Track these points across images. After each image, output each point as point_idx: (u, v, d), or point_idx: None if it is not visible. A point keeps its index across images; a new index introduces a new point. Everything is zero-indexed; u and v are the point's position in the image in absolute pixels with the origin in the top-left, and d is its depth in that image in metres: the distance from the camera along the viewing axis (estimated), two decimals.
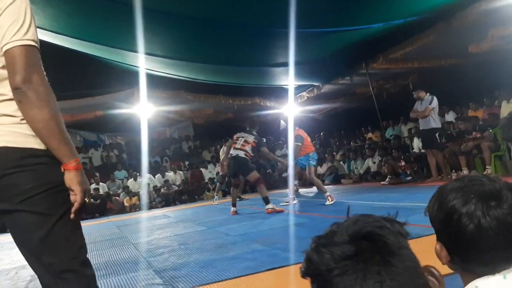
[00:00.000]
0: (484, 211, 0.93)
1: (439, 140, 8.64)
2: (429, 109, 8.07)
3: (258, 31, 6.66)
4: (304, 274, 0.71)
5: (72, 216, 1.45)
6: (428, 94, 8.27)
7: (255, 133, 7.52)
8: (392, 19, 6.95)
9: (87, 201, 1.47)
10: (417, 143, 10.16)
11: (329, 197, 7.31)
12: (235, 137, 7.54)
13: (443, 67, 10.16)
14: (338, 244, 0.68)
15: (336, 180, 11.97)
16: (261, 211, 7.61)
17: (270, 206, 7.23)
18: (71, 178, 1.42)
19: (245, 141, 7.39)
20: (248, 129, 7.61)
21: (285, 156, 10.69)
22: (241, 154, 7.33)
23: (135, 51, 7.13)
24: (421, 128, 8.58)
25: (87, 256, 1.54)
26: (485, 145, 7.78)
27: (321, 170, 12.32)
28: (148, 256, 4.80)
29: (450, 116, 10.54)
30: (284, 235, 4.92)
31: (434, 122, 8.25)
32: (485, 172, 7.59)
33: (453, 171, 8.62)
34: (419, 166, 9.56)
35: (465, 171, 8.30)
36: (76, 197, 1.43)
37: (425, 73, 10.79)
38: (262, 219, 6.64)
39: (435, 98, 8.18)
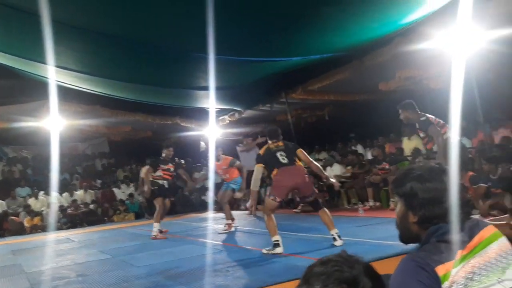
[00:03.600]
0: None
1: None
2: None
3: (179, 54, 6.56)
4: None
5: None
6: None
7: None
8: (310, 54, 7.21)
9: None
10: (329, 172, 10.52)
11: (228, 225, 7.45)
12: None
13: (356, 102, 10.74)
14: None
15: None
16: (175, 238, 7.38)
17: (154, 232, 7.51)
18: None
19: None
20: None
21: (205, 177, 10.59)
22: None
23: (45, 63, 6.66)
24: None
25: None
26: (391, 178, 8.25)
27: (239, 195, 12.29)
28: None
29: (359, 148, 11.16)
30: (190, 267, 4.76)
31: None
32: (390, 204, 8.05)
33: (360, 202, 9.07)
34: (331, 195, 9.90)
35: (371, 203, 8.76)
36: None
37: (340, 105, 11.33)
38: (172, 247, 6.41)
39: None
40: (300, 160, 5.20)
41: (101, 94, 9.90)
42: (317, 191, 9.50)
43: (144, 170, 8.20)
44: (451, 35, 5.93)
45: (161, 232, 8.17)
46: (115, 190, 14.18)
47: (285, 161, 5.06)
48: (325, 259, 1.09)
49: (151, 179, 7.81)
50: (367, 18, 5.77)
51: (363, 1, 5.21)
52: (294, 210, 9.50)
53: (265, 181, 10.58)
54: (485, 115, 7.32)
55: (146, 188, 7.78)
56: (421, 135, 5.75)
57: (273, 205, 5.09)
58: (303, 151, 5.25)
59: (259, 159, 5.21)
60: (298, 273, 4.10)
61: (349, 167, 10.18)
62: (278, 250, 4.91)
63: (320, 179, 8.40)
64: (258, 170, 5.15)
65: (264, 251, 5.00)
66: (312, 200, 5.24)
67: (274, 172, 5.10)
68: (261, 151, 5.30)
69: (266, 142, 5.50)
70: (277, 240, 4.95)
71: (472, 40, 6.05)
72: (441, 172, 1.44)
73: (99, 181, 14.97)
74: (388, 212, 7.73)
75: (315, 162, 5.46)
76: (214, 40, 5.21)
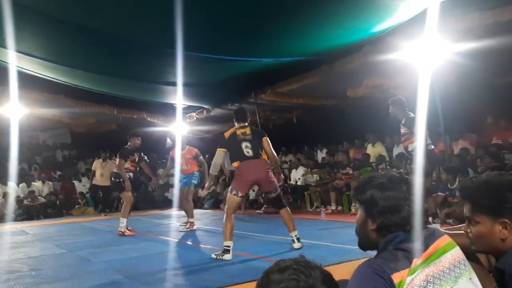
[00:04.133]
0: None
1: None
2: None
3: (147, 48, 6.42)
4: None
5: None
6: None
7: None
8: (281, 56, 7.23)
9: None
10: (294, 175, 10.62)
11: (189, 224, 7.35)
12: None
13: (324, 107, 10.86)
14: None
15: (215, 205, 11.94)
16: (135, 235, 7.24)
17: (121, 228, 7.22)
18: None
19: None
20: None
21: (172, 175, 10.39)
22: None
23: (5, 47, 6.38)
24: None
25: None
26: (354, 184, 8.38)
27: (202, 193, 12.18)
28: None
29: (323, 153, 11.32)
30: (149, 265, 4.67)
31: None
32: (352, 209, 8.18)
33: (323, 205, 9.20)
34: (294, 197, 9.98)
35: (333, 207, 8.90)
36: None
37: (308, 109, 11.43)
38: (131, 244, 6.28)
39: None
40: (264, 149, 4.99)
41: (65, 83, 9.58)
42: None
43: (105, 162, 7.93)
44: (418, 46, 6.09)
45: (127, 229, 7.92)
46: (76, 182, 13.77)
47: (249, 154, 4.85)
48: (282, 266, 1.09)
49: (116, 170, 7.42)
50: (338, 24, 5.84)
51: (335, 8, 5.27)
52: (257, 211, 9.49)
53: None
54: (446, 126, 7.55)
55: (126, 183, 7.18)
56: (403, 131, 5.89)
57: (236, 201, 4.93)
58: (268, 140, 5.02)
59: (222, 144, 4.98)
60: (256, 274, 4.07)
61: (314, 170, 10.31)
62: (227, 257, 4.66)
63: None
64: (220, 154, 4.95)
65: (213, 255, 4.76)
66: (274, 197, 5.07)
67: (236, 164, 4.92)
68: (226, 134, 5.02)
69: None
70: (229, 246, 4.70)
71: (438, 52, 6.25)
72: (401, 181, 1.46)
73: (58, 173, 14.51)
74: (349, 216, 7.85)
75: (275, 156, 5.15)
76: (183, 35, 5.13)
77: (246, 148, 4.88)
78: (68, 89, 10.33)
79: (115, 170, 7.45)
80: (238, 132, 4.99)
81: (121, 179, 7.27)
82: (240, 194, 4.91)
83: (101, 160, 11.80)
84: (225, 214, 4.89)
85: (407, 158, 6.37)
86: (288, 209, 5.13)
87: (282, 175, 5.48)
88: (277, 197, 5.09)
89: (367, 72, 7.95)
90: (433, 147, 6.38)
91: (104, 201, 12.34)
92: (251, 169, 4.87)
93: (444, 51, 6.29)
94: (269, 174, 4.97)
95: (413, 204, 1.41)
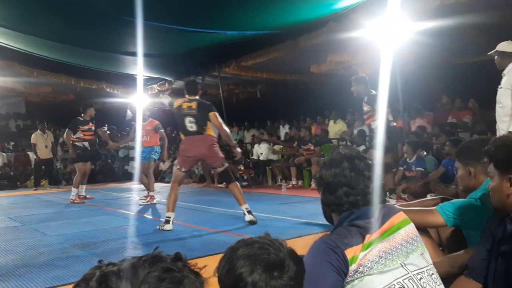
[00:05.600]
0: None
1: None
2: None
3: (106, 16, 6.15)
4: None
5: None
6: None
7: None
8: (244, 30, 7.13)
9: None
10: (257, 150, 10.65)
11: (150, 198, 7.32)
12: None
13: (287, 82, 10.87)
14: None
15: None
16: (92, 208, 7.10)
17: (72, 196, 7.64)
18: None
19: None
20: None
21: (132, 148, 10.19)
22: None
23: None
24: None
25: None
26: (315, 159, 8.52)
27: (164, 166, 12.07)
28: None
29: (285, 129, 11.40)
30: (107, 239, 4.60)
31: None
32: (312, 184, 8.32)
33: (284, 180, 9.32)
34: (256, 172, 10.04)
35: (294, 181, 9.04)
36: None
37: (272, 84, 11.41)
38: (89, 217, 6.16)
39: None
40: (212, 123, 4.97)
41: (19, 50, 9.09)
42: (242, 167, 9.71)
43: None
44: (380, 24, 6.15)
45: (85, 198, 8.02)
46: (30, 154, 13.25)
47: (192, 129, 4.85)
48: (249, 241, 1.07)
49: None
50: None
51: None
52: (219, 185, 9.50)
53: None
54: (405, 104, 7.75)
55: (71, 152, 7.66)
56: (365, 109, 5.96)
57: (180, 175, 5.00)
58: (217, 114, 4.97)
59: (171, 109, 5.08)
60: (216, 248, 4.09)
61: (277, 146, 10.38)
62: (167, 227, 4.78)
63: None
64: None
65: (157, 227, 4.89)
66: (222, 171, 5.10)
67: (182, 136, 5.03)
68: (175, 104, 4.99)
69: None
70: (169, 217, 4.83)
71: (400, 31, 6.33)
72: (344, 159, 1.48)
73: (12, 143, 13.91)
74: (309, 191, 7.99)
75: (225, 129, 5.07)
76: (143, 5, 4.94)
77: (190, 123, 4.88)
78: (22, 56, 9.82)
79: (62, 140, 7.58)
80: (184, 105, 4.94)
81: (78, 151, 7.67)
82: (183, 169, 5.00)
83: (40, 132, 11.31)
84: (171, 185, 5.04)
85: (368, 135, 6.48)
86: (237, 183, 5.17)
87: (238, 148, 5.48)
88: (225, 171, 5.11)
89: (331, 49, 7.98)
90: (395, 124, 6.54)
91: (48, 174, 11.94)
92: (193, 145, 4.91)
93: (406, 30, 6.39)
94: (213, 149, 4.98)
95: (357, 183, 1.44)
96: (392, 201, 5.76)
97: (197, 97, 5.04)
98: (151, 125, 7.39)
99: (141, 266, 0.77)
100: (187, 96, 5.05)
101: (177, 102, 5.02)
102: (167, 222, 4.82)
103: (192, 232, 4.79)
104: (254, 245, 1.05)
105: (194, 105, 4.92)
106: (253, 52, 8.88)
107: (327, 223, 1.65)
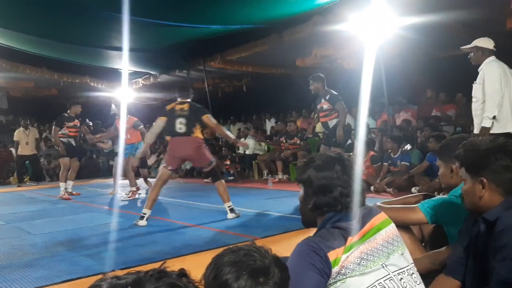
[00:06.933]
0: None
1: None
2: None
3: (90, 11, 6.06)
4: None
5: None
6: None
7: None
8: (229, 24, 7.09)
9: None
10: None
11: (132, 193, 7.43)
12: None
13: (273, 75, 10.86)
14: None
15: None
16: (77, 205, 7.04)
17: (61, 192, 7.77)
18: None
19: None
20: None
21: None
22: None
23: None
24: None
25: None
26: (301, 153, 8.55)
27: (149, 161, 11.98)
28: None
29: (271, 123, 11.41)
30: (92, 237, 4.56)
31: None
32: None
33: (270, 175, 9.34)
34: (242, 167, 10.04)
35: (280, 175, 9.07)
36: None
37: (258, 78, 11.39)
38: (73, 215, 6.10)
39: None
40: (206, 125, 5.19)
41: (1, 44, 8.91)
42: (228, 162, 9.71)
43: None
44: (365, 18, 6.17)
45: (72, 194, 8.03)
46: (13, 150, 13.04)
47: (181, 130, 4.96)
48: (234, 248, 1.09)
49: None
50: None
51: None
52: (205, 180, 9.48)
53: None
54: (389, 98, 7.81)
55: (60, 149, 7.84)
56: (325, 107, 6.01)
57: (166, 174, 5.08)
58: (210, 116, 5.13)
59: (164, 113, 5.12)
60: (202, 245, 4.08)
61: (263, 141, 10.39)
62: (141, 223, 4.89)
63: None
64: (158, 124, 5.09)
65: (134, 222, 4.98)
66: (208, 171, 5.24)
67: (168, 138, 5.13)
68: (168, 107, 5.15)
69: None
70: (145, 214, 4.94)
71: (384, 25, 6.36)
72: (336, 162, 1.49)
73: None
74: (295, 185, 7.96)
75: (220, 127, 5.52)
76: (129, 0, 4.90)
77: (180, 124, 5.00)
78: (3, 50, 9.63)
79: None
80: (177, 107, 5.11)
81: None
82: (170, 168, 5.09)
83: (22, 129, 11.18)
84: (154, 183, 5.18)
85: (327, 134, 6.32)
86: (223, 181, 5.30)
87: (232, 136, 5.87)
88: (212, 170, 5.24)
89: (316, 42, 7.99)
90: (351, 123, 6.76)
91: (34, 170, 11.82)
92: (180, 146, 5.04)
93: (390, 24, 6.42)
94: (200, 151, 5.09)
95: (348, 184, 1.45)
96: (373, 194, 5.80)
97: (188, 100, 5.18)
98: (129, 122, 7.39)
99: (148, 280, 0.80)
100: (179, 99, 5.18)
101: (170, 105, 5.18)
102: (142, 218, 4.94)
103: (178, 227, 4.79)
104: (239, 252, 1.07)
105: (186, 106, 5.08)
106: (238, 46, 8.84)
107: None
